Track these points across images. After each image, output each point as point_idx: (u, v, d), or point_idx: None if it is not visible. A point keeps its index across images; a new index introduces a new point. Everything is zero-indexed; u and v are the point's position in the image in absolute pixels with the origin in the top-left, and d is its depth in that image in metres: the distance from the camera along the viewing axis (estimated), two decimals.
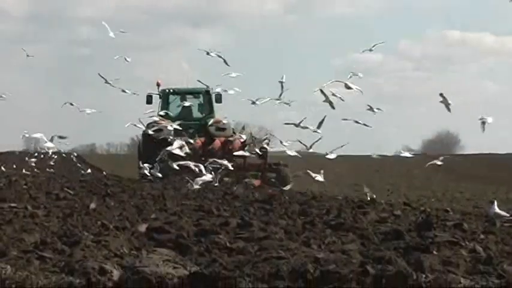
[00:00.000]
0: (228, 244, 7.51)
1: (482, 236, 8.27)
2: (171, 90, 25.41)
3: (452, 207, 13.42)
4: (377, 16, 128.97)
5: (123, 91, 21.00)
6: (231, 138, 23.03)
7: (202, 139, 22.97)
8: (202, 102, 25.71)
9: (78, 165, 39.44)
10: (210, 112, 25.23)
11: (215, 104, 25.31)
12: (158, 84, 24.98)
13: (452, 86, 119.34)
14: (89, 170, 33.12)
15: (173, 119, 23.32)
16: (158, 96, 25.08)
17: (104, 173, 29.77)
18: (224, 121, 24.08)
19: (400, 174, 38.73)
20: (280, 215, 10.68)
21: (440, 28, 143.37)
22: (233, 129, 24.40)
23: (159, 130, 22.04)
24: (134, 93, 21.99)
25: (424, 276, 5.53)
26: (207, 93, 25.31)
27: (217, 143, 22.97)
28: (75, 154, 52.81)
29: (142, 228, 8.93)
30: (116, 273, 5.91)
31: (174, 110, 25.10)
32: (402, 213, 11.14)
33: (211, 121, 23.54)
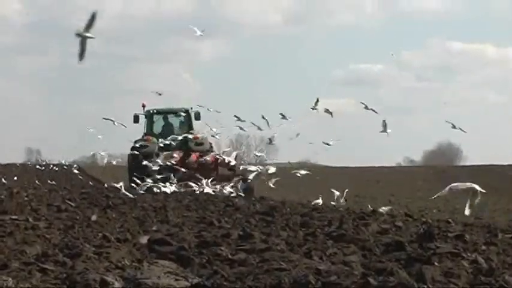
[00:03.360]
0: (229, 256, 7.51)
1: (483, 247, 8.26)
2: (155, 111, 28.72)
3: (454, 219, 13.39)
4: (378, 27, 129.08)
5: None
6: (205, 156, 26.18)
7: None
8: (182, 120, 28.85)
9: (79, 177, 39.43)
10: (190, 129, 28.19)
11: (194, 122, 28.58)
12: (143, 106, 28.17)
13: (453, 96, 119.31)
14: (90, 182, 33.14)
15: (157, 136, 27.32)
16: (144, 116, 28.35)
17: (105, 184, 29.77)
18: (201, 137, 27.42)
19: (402, 185, 38.70)
20: (282, 227, 10.68)
21: (442, 39, 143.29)
22: (210, 143, 27.54)
23: (145, 146, 25.96)
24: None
25: (425, 287, 5.53)
26: (186, 112, 28.58)
27: (194, 156, 25.92)
28: (77, 166, 52.82)
29: (144, 240, 8.94)
30: (118, 285, 5.91)
31: (158, 128, 28.56)
32: (404, 225, 11.12)
33: (190, 137, 26.88)
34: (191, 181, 23.03)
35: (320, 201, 17.45)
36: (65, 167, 52.43)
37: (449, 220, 12.52)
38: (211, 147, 27.38)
